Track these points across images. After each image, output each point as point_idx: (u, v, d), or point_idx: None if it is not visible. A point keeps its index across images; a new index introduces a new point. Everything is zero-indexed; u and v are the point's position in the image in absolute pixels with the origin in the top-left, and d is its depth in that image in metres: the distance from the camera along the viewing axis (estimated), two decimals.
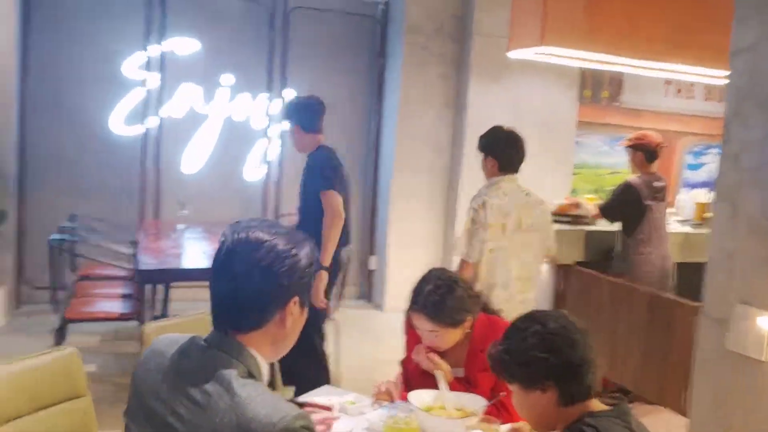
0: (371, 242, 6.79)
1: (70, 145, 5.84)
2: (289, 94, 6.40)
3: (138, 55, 5.90)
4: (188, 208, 6.07)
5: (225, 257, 1.41)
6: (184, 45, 6.07)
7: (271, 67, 6.31)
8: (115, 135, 5.93)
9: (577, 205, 4.36)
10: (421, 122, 6.37)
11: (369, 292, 6.83)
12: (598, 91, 7.07)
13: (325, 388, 2.47)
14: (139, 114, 5.95)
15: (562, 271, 4.13)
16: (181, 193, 6.10)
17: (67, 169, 5.85)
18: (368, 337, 5.64)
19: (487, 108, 6.27)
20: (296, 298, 1.44)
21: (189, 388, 1.34)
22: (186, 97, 6.11)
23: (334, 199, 3.64)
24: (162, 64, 5.99)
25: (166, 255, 4.07)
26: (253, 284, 1.38)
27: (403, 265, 6.44)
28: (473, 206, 3.37)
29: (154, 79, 5.96)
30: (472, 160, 6.24)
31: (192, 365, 1.39)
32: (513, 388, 1.69)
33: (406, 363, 2.52)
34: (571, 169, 6.69)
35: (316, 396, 2.28)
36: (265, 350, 1.44)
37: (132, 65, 5.92)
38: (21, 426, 1.95)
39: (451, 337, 2.27)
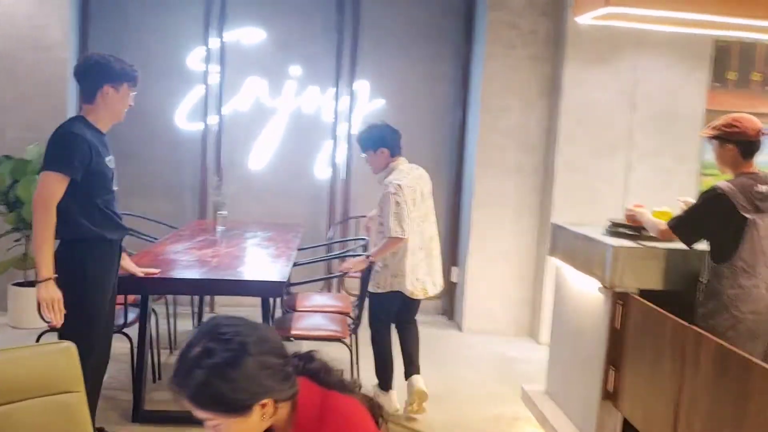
0: (454, 252, 5.96)
1: (132, 141, 5.66)
2: (361, 86, 5.79)
3: (201, 46, 5.61)
4: (254, 207, 5.73)
5: None
6: (248, 35, 5.68)
7: (340, 58, 5.72)
8: (180, 130, 5.69)
9: (632, 218, 3.26)
10: (507, 115, 5.45)
11: (451, 308, 6.01)
12: (745, 72, 5.69)
13: None
14: (204, 108, 5.64)
15: (620, 300, 3.10)
16: (244, 190, 5.75)
17: (128, 165, 5.66)
18: (437, 361, 4.83)
19: (588, 96, 5.23)
20: None
21: None
22: (251, 91, 5.72)
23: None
24: (225, 55, 5.64)
25: (155, 261, 3.61)
26: None
27: (485, 281, 5.61)
28: (390, 191, 3.69)
29: (217, 72, 5.63)
30: (569, 158, 5.27)
31: None
32: None
33: None
34: (697, 168, 5.40)
35: None
36: None
37: (196, 57, 5.64)
38: (4, 411, 1.96)
39: (241, 428, 1.41)
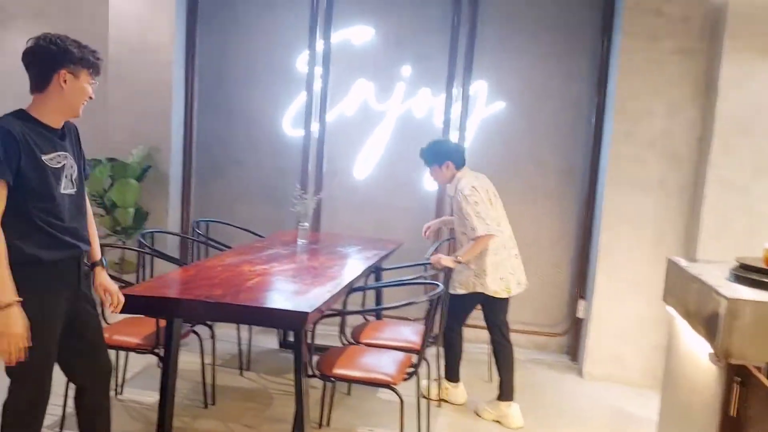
0: (582, 282, 5.07)
1: (238, 146, 5.48)
2: (479, 87, 5.12)
3: (309, 47, 5.26)
4: (355, 218, 5.31)
5: None
6: (356, 34, 5.24)
7: (455, 55, 5.09)
8: (285, 136, 5.40)
9: None
10: (648, 120, 4.50)
11: (575, 348, 5.11)
12: None
13: None
14: (308, 113, 5.30)
15: (737, 377, 2.19)
16: (346, 201, 5.34)
17: (234, 170, 5.50)
18: (544, 411, 4.07)
19: (754, 97, 4.17)
20: None
21: None
22: (358, 94, 5.27)
23: None
24: (331, 58, 5.24)
25: (194, 274, 3.25)
26: None
27: (614, 320, 4.69)
28: (466, 194, 3.75)
29: (324, 74, 5.25)
30: (725, 174, 4.23)
31: None
32: None
33: None
34: None
35: None
36: None
37: (303, 60, 5.31)
38: None
39: None
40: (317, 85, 5.26)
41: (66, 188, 2.41)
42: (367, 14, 5.22)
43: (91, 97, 2.42)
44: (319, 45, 5.23)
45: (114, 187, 4.84)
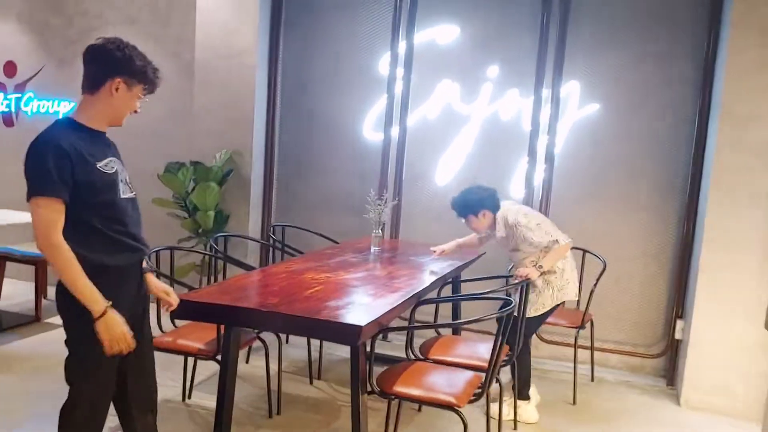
0: (680, 300, 4.65)
1: (319, 152, 5.41)
2: (571, 88, 4.81)
3: (391, 48, 5.13)
4: (436, 227, 5.11)
5: None
6: (440, 34, 5.06)
7: (544, 54, 4.80)
8: (366, 141, 5.28)
9: None
10: (758, 126, 4.06)
11: (672, 371, 4.69)
12: None
13: None
14: (390, 116, 5.16)
15: None
16: (427, 208, 5.16)
17: (315, 177, 5.43)
18: None
19: None
20: None
21: None
22: (441, 96, 5.09)
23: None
24: (414, 59, 5.09)
25: (260, 280, 3.19)
26: None
27: (717, 344, 4.27)
28: (524, 223, 3.71)
29: (405, 75, 5.10)
30: None
31: None
32: None
33: None
34: None
35: None
36: None
37: (386, 63, 5.18)
38: None
39: None
40: (398, 88, 5.12)
41: (125, 193, 2.37)
42: (451, 13, 5.02)
43: (135, 111, 2.37)
44: (402, 46, 5.09)
45: (195, 190, 4.88)
